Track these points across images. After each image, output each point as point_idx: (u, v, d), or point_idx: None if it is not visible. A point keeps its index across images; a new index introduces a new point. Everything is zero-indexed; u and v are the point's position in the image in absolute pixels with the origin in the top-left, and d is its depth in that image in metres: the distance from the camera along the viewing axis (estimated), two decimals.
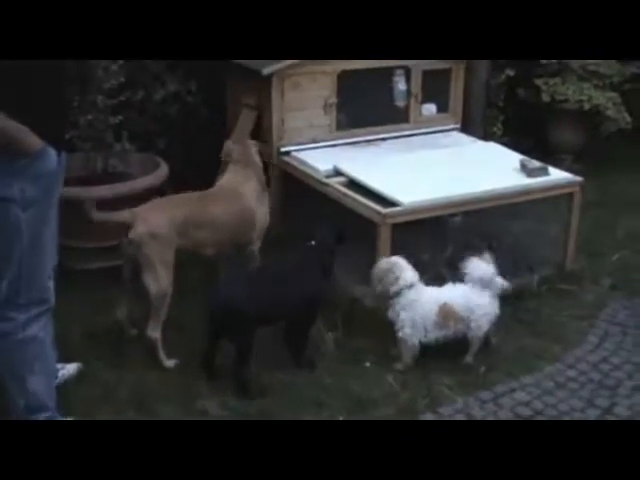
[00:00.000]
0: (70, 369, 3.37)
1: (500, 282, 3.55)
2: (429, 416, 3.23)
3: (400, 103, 4.84)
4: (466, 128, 5.09)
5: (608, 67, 5.70)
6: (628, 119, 5.65)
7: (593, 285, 4.28)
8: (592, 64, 5.67)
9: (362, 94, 4.64)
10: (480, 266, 3.54)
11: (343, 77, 4.55)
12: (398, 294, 3.49)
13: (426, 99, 4.89)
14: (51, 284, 2.88)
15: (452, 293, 3.55)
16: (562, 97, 5.62)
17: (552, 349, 3.72)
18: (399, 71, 4.77)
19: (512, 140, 5.34)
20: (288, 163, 4.45)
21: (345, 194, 3.98)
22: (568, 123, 5.79)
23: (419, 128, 4.90)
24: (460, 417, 3.23)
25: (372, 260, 3.61)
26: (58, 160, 2.71)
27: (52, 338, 2.96)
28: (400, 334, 3.51)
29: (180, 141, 4.87)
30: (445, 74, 4.91)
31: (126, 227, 3.41)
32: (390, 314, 3.54)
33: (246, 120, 4.51)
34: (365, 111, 4.69)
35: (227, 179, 3.86)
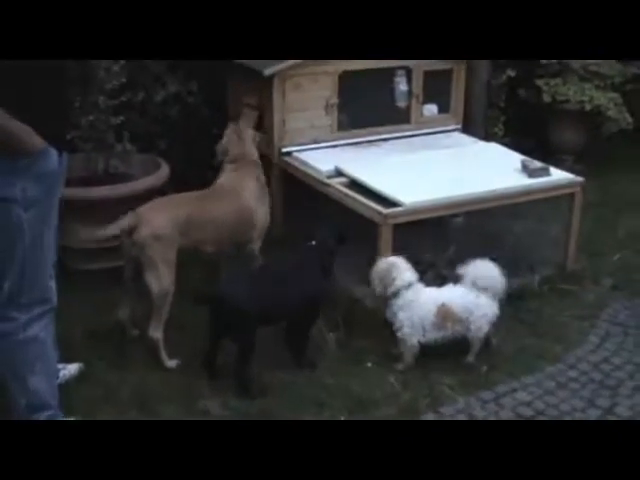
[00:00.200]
0: (71, 369, 3.38)
1: (502, 286, 3.55)
2: (430, 416, 3.23)
3: (401, 104, 4.84)
4: (467, 129, 5.09)
5: (609, 68, 5.70)
6: (629, 119, 5.65)
7: (594, 285, 4.28)
8: (593, 65, 5.67)
9: (363, 95, 4.64)
10: (482, 268, 3.53)
11: (344, 78, 4.55)
12: (396, 294, 3.50)
13: (427, 100, 4.88)
14: (53, 284, 2.88)
15: (451, 294, 3.55)
16: (563, 98, 5.62)
17: (553, 349, 3.72)
18: (400, 72, 4.77)
19: (513, 140, 5.34)
20: (289, 164, 4.45)
21: (346, 194, 3.98)
22: (569, 123, 5.78)
23: (420, 129, 4.90)
24: (461, 417, 3.23)
25: (373, 260, 3.61)
26: (59, 160, 2.71)
27: (53, 338, 2.97)
28: (399, 334, 3.51)
29: (181, 142, 4.88)
30: (446, 75, 4.91)
31: (130, 228, 3.42)
32: (388, 314, 3.55)
33: (247, 121, 4.51)
34: (366, 112, 4.69)
35: (225, 178, 3.87)
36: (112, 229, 3.44)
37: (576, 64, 5.67)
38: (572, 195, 4.24)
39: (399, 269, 3.49)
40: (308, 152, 4.48)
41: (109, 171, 4.27)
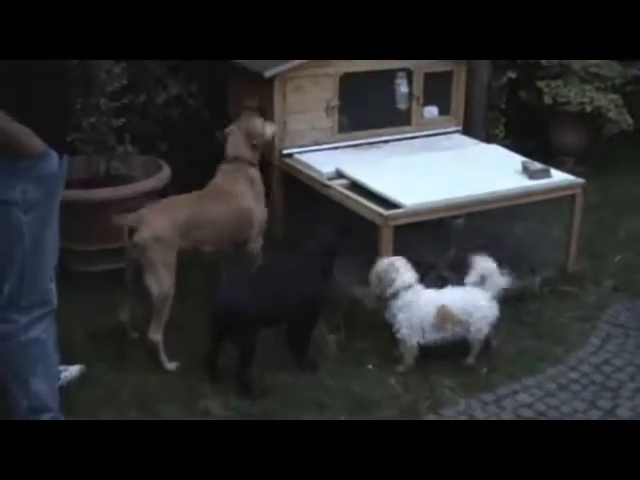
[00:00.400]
0: (72, 371, 3.38)
1: (501, 280, 3.54)
2: (431, 418, 3.23)
3: (402, 105, 4.85)
4: (468, 130, 5.09)
5: (610, 69, 5.70)
6: (630, 121, 5.65)
7: (595, 287, 4.28)
8: (594, 66, 5.67)
9: (364, 96, 4.64)
10: (482, 263, 3.53)
11: (345, 80, 4.55)
12: (395, 295, 3.49)
13: (428, 101, 4.89)
14: (53, 286, 2.88)
15: (451, 296, 3.55)
16: (564, 99, 5.61)
17: (554, 351, 3.71)
18: (401, 73, 4.77)
19: (514, 142, 5.34)
20: (290, 165, 4.46)
21: (347, 196, 3.98)
22: (570, 125, 5.78)
23: (421, 130, 4.90)
24: (462, 419, 3.23)
25: (374, 262, 3.61)
26: (60, 163, 2.71)
27: (54, 340, 2.97)
28: (398, 335, 3.51)
29: (182, 144, 4.88)
30: (447, 76, 4.91)
31: (131, 230, 3.42)
32: (387, 315, 3.55)
33: (247, 122, 4.51)
34: (367, 113, 4.69)
35: (221, 178, 3.88)
36: (121, 219, 3.46)
37: (577, 66, 5.67)
38: (573, 197, 4.24)
39: (398, 270, 3.49)
40: (309, 154, 4.48)
41: (110, 173, 4.28)
